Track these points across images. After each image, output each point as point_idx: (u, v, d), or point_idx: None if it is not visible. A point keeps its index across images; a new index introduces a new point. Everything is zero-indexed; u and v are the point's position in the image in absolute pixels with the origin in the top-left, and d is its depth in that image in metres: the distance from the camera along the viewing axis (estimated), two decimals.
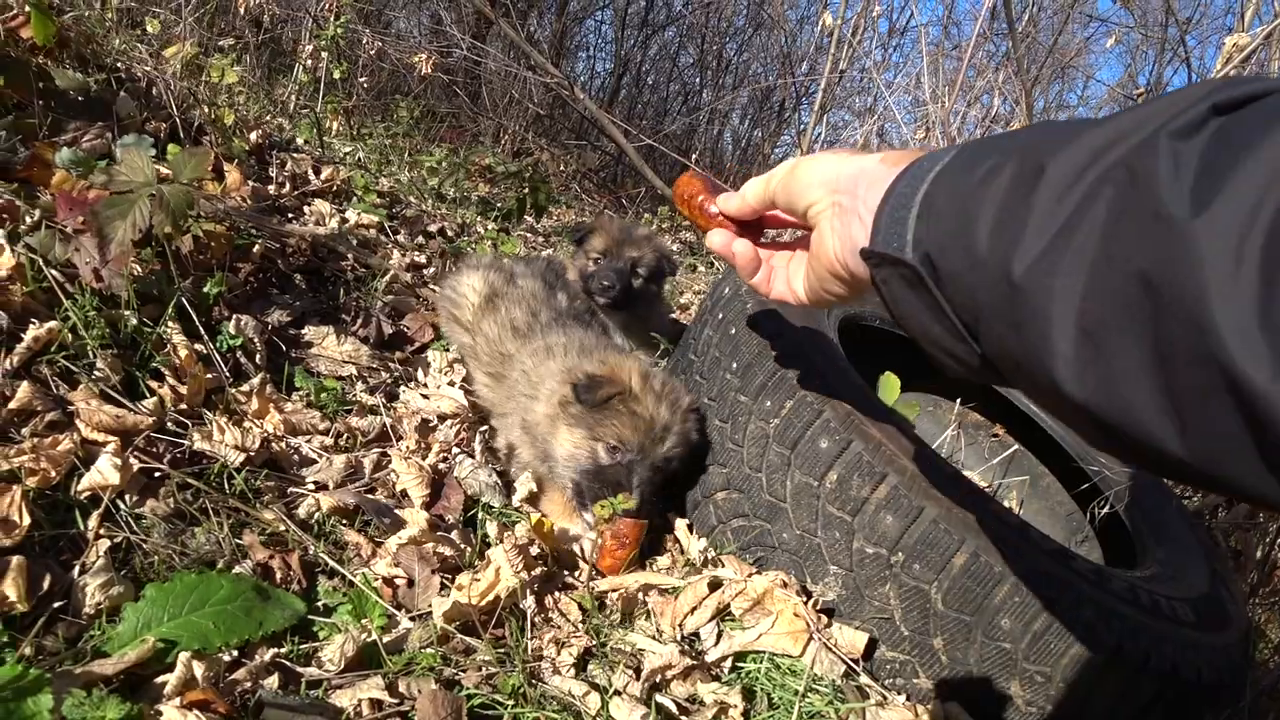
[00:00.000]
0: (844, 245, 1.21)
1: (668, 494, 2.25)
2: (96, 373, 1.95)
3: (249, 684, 1.45)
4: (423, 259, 3.58)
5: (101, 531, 1.63)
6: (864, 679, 1.83)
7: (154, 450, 1.84)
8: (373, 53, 7.06)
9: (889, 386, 2.69)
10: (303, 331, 2.59)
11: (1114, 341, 0.74)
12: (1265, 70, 6.55)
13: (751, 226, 1.58)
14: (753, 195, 1.48)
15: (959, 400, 3.07)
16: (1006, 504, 3.14)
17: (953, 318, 0.98)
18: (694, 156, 10.21)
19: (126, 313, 2.09)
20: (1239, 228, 0.63)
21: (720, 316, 2.25)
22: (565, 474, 2.20)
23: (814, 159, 1.30)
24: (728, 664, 1.81)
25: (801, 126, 9.14)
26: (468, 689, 1.56)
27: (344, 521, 1.92)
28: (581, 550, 2.07)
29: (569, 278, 3.47)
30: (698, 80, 14.24)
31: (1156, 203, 0.70)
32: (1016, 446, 3.12)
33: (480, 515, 2.11)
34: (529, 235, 5.46)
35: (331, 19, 5.75)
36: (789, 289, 1.49)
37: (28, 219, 2.16)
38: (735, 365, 2.11)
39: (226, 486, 1.86)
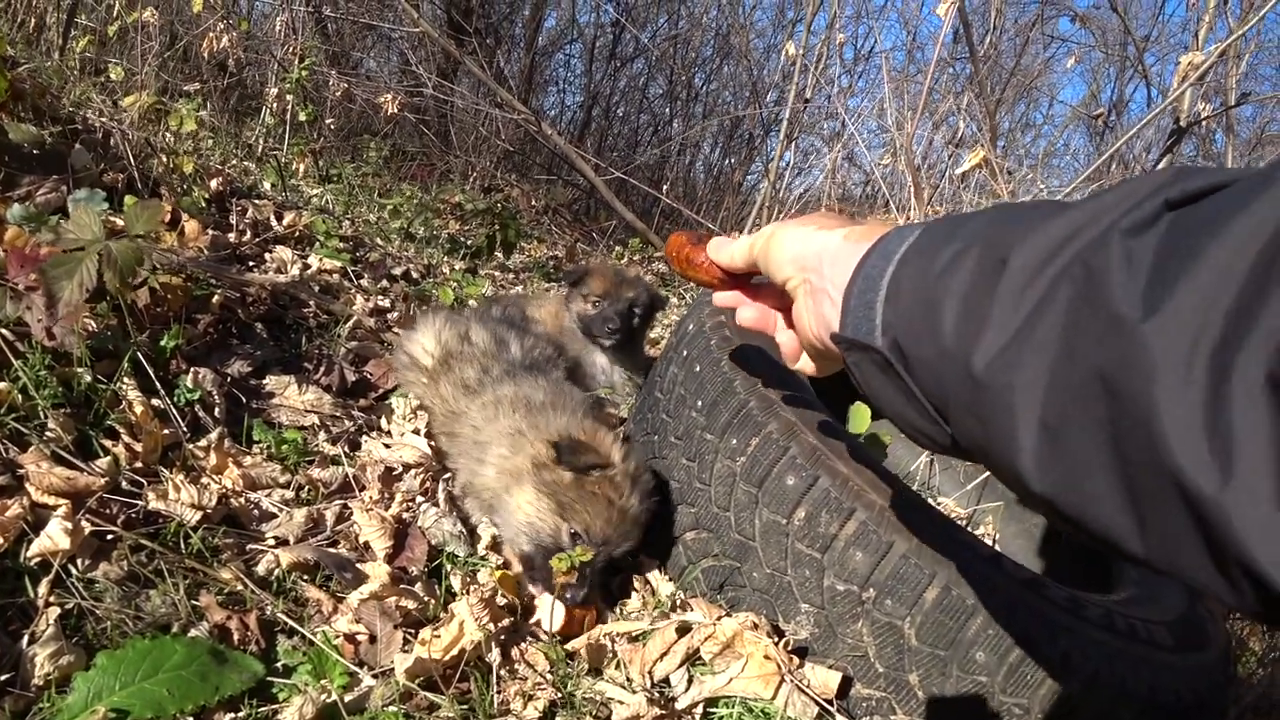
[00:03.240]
0: (818, 324, 1.21)
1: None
2: (48, 433, 1.90)
3: None
4: (386, 303, 3.55)
5: (52, 599, 1.58)
6: (839, 719, 1.80)
7: (107, 512, 1.80)
8: (338, 94, 7.06)
9: (859, 416, 2.68)
10: (264, 382, 2.55)
11: (1075, 439, 0.74)
12: (1223, 85, 6.64)
13: (740, 277, 1.58)
14: (740, 255, 1.49)
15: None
16: (983, 529, 3.13)
17: (923, 401, 0.98)
18: (665, 187, 10.26)
19: (80, 370, 2.05)
20: (1189, 334, 0.64)
21: (685, 354, 2.23)
22: (519, 540, 2.10)
23: (786, 232, 1.31)
24: (699, 710, 1.78)
25: (771, 155, 9.20)
26: None
27: (305, 577, 1.88)
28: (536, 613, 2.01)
29: (534, 315, 3.50)
30: (668, 111, 14.34)
31: (1111, 303, 0.71)
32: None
33: (445, 566, 2.07)
34: (498, 273, 5.45)
35: (296, 62, 5.75)
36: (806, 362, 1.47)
37: None
38: (700, 403, 2.10)
39: (183, 546, 1.82)
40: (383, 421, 2.60)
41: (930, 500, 3.00)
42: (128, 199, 2.69)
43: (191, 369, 2.33)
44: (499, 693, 1.70)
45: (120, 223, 2.29)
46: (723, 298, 1.63)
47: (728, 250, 1.53)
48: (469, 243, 5.38)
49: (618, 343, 3.44)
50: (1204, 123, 6.51)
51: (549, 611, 1.95)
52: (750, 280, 1.59)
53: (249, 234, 3.54)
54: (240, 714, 1.52)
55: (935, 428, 1.00)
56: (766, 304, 1.57)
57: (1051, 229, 0.82)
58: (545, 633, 1.93)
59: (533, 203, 8.95)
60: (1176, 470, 0.63)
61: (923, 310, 0.94)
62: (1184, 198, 0.74)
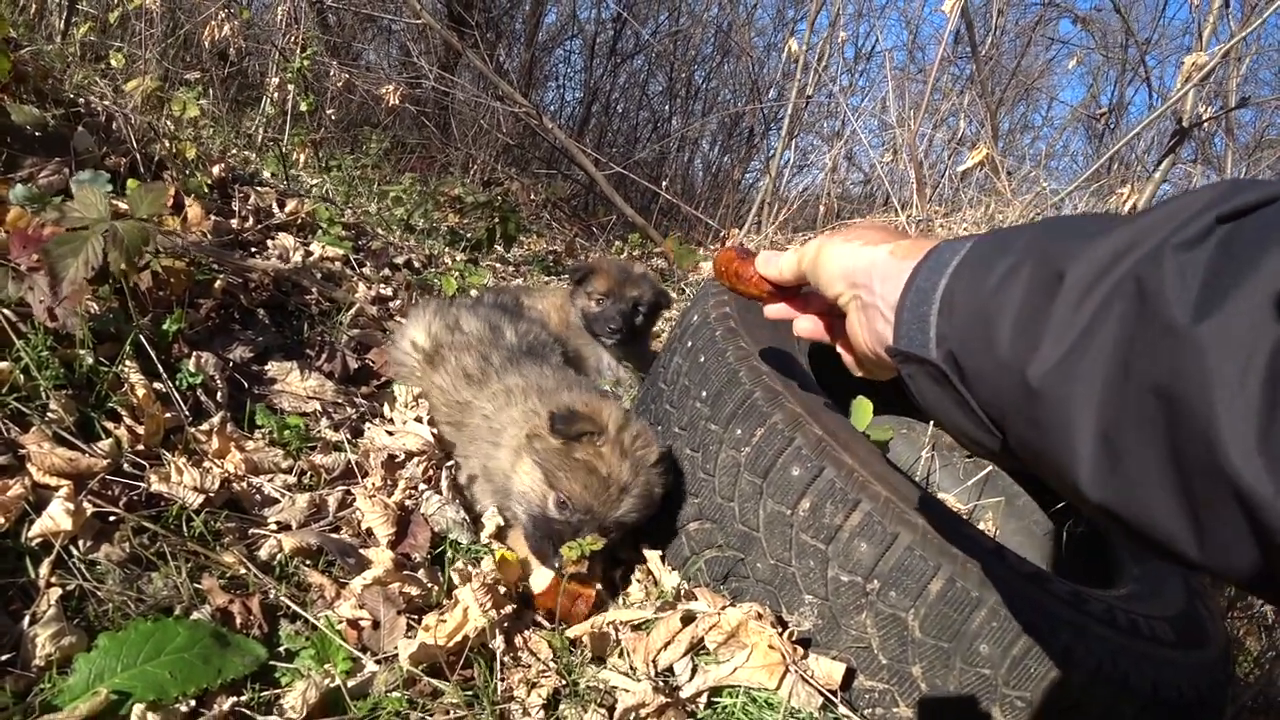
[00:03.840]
0: (872, 338, 1.24)
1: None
2: (50, 414, 1.89)
3: None
4: (389, 291, 3.54)
5: (53, 579, 1.58)
6: (843, 710, 1.80)
7: (109, 493, 1.79)
8: (340, 85, 7.04)
9: (861, 411, 2.67)
10: (266, 367, 2.54)
11: (1133, 449, 0.76)
12: (1223, 88, 6.65)
13: (788, 289, 1.62)
14: (787, 268, 1.53)
15: (933, 423, 3.07)
16: (984, 525, 3.13)
17: (979, 412, 1.00)
18: (664, 183, 10.24)
19: (82, 352, 2.04)
20: (1242, 344, 0.66)
21: (689, 344, 2.23)
22: (517, 510, 2.15)
23: (833, 246, 1.34)
24: (703, 700, 1.78)
25: (771, 153, 9.20)
26: None
27: (307, 562, 1.87)
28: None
29: (534, 305, 3.49)
30: (667, 108, 14.31)
31: (1165, 315, 0.73)
32: (991, 467, 3.11)
33: (448, 553, 2.07)
34: (498, 265, 5.44)
35: (298, 52, 5.74)
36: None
37: None
38: (705, 393, 2.09)
39: (185, 529, 1.81)
40: (385, 409, 2.59)
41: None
42: (130, 183, 2.68)
43: (194, 353, 2.32)
44: (503, 680, 1.70)
45: (124, 206, 2.27)
46: (774, 310, 1.66)
47: (776, 264, 1.57)
48: (469, 235, 5.37)
49: (620, 341, 3.42)
50: (1204, 125, 6.51)
51: (540, 578, 1.99)
52: (799, 291, 1.62)
53: (251, 220, 3.53)
54: (243, 698, 1.51)
55: (988, 436, 1.02)
56: (816, 313, 1.59)
57: (1105, 245, 0.84)
58: (541, 613, 1.94)
59: (532, 197, 8.93)
60: (1235, 476, 0.65)
61: (978, 323, 0.96)
62: (1235, 212, 0.75)
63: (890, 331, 1.14)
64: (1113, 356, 0.78)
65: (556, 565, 1.95)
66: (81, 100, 3.44)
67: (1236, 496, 0.66)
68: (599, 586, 2.05)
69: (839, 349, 1.52)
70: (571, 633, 1.89)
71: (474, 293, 3.90)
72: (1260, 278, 0.67)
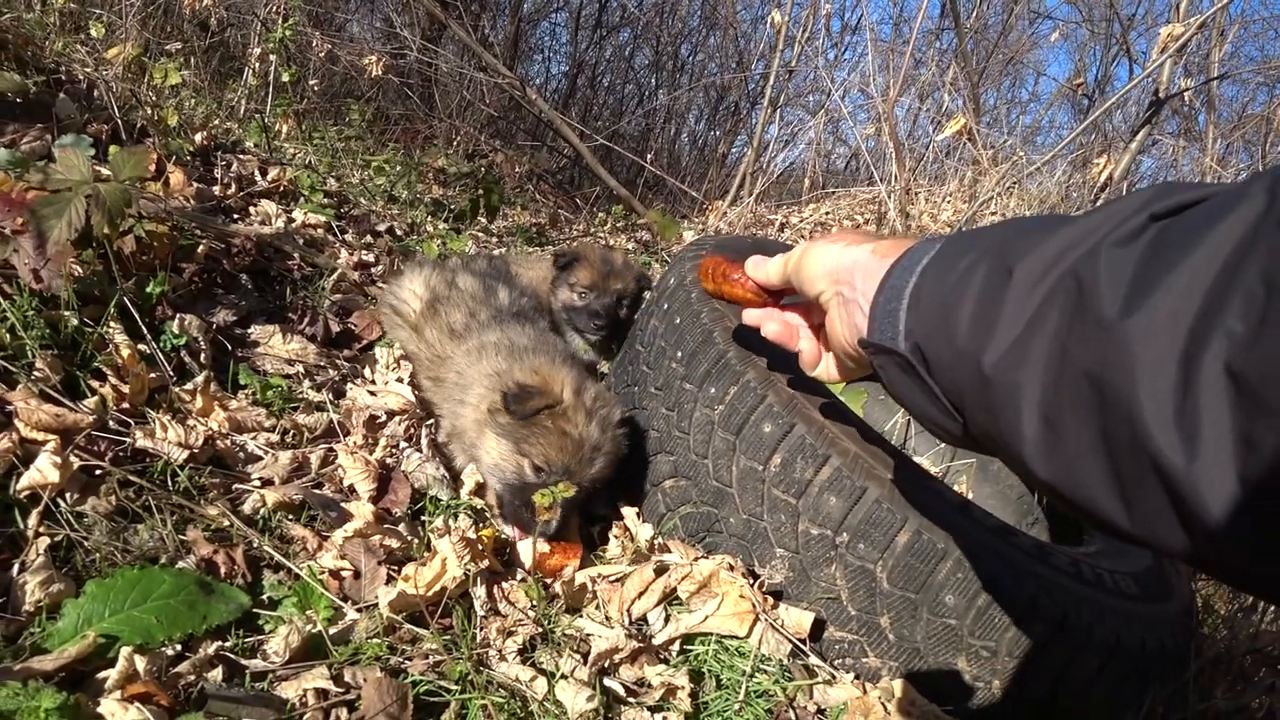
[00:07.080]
0: (850, 333, 1.31)
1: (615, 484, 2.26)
2: (36, 373, 1.92)
3: (192, 677, 1.45)
4: (370, 257, 3.56)
5: (41, 530, 1.62)
6: (813, 659, 1.85)
7: (95, 448, 1.82)
8: (322, 55, 7.01)
9: None
10: (249, 331, 2.57)
11: (1070, 431, 0.85)
12: (1206, 63, 6.69)
13: (773, 294, 1.67)
14: (775, 273, 1.59)
15: None
16: (958, 487, 3.18)
17: (943, 399, 1.09)
18: (649, 157, 10.23)
19: (67, 313, 2.07)
20: (1164, 332, 0.74)
21: (665, 307, 2.26)
22: (491, 482, 2.18)
23: (818, 248, 1.41)
24: (675, 647, 1.82)
25: (754, 125, 9.20)
26: (414, 676, 1.56)
27: (290, 516, 1.91)
28: (518, 555, 2.05)
29: (525, 275, 3.48)
30: (653, 80, 14.26)
31: (1097, 308, 0.81)
32: None
33: (428, 508, 2.11)
34: (481, 235, 5.44)
35: (279, 22, 5.70)
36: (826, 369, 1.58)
37: None
38: (680, 354, 2.13)
39: (170, 484, 1.85)
40: (367, 370, 2.63)
41: None
42: (112, 149, 2.69)
43: (177, 315, 2.34)
44: (481, 630, 1.74)
45: (106, 171, 2.29)
46: (753, 315, 1.71)
47: (764, 268, 1.63)
48: (452, 206, 5.37)
49: (603, 338, 3.32)
50: (1187, 102, 6.56)
51: (526, 548, 2.00)
52: (781, 299, 1.67)
53: (234, 187, 3.54)
54: (227, 643, 1.56)
55: (951, 422, 1.10)
56: (793, 319, 1.65)
57: (1052, 242, 0.92)
58: (523, 568, 1.97)
59: (516, 169, 8.91)
60: (1154, 452, 0.73)
61: (940, 316, 1.04)
62: (1168, 211, 0.83)
63: (866, 325, 1.22)
64: (1053, 346, 0.86)
65: (536, 532, 1.96)
66: (63, 68, 3.45)
67: (1156, 470, 0.73)
68: (581, 550, 2.09)
69: (802, 349, 1.60)
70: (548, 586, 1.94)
71: (456, 259, 3.91)
72: (1180, 276, 0.74)
